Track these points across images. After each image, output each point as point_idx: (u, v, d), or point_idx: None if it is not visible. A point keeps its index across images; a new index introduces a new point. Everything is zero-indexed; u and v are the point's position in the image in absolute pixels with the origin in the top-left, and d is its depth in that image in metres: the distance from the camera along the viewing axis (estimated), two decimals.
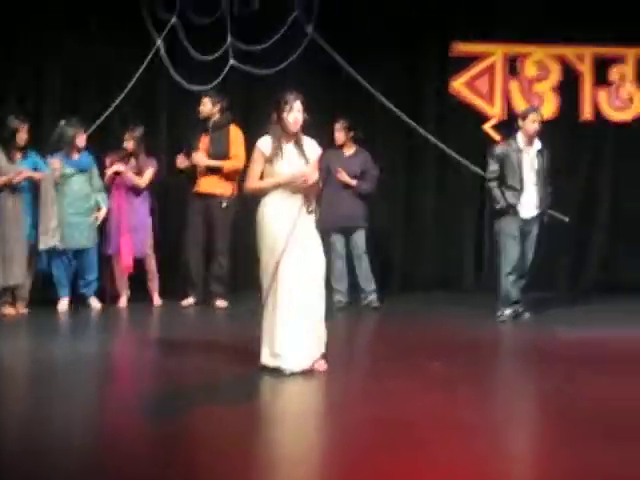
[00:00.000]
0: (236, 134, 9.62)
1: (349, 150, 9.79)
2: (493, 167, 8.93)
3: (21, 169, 8.83)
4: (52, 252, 9.19)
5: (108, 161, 9.61)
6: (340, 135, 9.74)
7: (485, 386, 6.17)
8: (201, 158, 9.51)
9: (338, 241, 9.62)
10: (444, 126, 11.23)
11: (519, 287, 9.00)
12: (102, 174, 9.55)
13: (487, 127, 11.13)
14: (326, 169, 9.41)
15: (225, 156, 9.55)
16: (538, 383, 6.46)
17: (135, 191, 9.61)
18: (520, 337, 8.49)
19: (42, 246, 9.02)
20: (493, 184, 8.93)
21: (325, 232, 9.34)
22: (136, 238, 9.59)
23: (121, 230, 9.53)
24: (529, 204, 8.88)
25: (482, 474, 4.25)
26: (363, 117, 10.56)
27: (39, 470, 4.28)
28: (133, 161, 9.63)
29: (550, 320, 9.00)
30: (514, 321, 8.91)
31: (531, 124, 8.82)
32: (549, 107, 10.96)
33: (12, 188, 8.78)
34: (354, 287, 9.84)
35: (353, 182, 9.62)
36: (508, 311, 8.97)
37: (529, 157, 8.88)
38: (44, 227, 9.01)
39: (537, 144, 8.90)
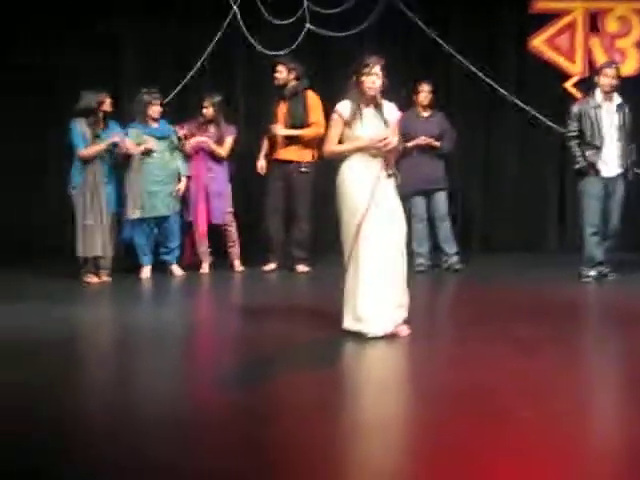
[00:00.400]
0: (314, 100, 9.56)
1: (426, 112, 9.74)
2: (572, 125, 8.77)
3: (110, 137, 8.90)
4: (134, 221, 9.26)
5: (187, 129, 9.62)
6: (427, 96, 9.69)
7: (570, 350, 6.06)
8: (279, 129, 9.48)
9: (419, 204, 9.57)
10: (524, 85, 11.08)
11: (604, 248, 8.84)
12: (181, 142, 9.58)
13: (568, 85, 10.93)
14: (404, 132, 9.36)
15: (304, 123, 9.50)
16: (623, 347, 6.34)
17: (215, 159, 9.63)
18: (605, 299, 8.38)
19: (131, 216, 9.12)
20: (573, 143, 8.78)
21: (406, 195, 9.38)
22: (216, 205, 9.62)
23: (199, 198, 9.57)
24: (611, 162, 8.69)
25: (568, 440, 4.19)
26: (442, 79, 10.44)
27: (125, 438, 4.32)
28: (212, 128, 9.64)
29: (636, 282, 8.81)
30: (599, 282, 8.78)
31: (605, 79, 8.64)
32: (631, 63, 10.75)
33: (93, 159, 8.84)
34: (435, 250, 9.77)
35: (437, 143, 9.58)
36: (592, 272, 8.84)
37: (608, 113, 8.69)
38: (132, 198, 9.09)
39: (617, 99, 8.70)
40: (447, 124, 9.77)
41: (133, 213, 9.19)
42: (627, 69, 10.19)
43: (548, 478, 3.78)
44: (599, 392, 5.13)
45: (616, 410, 4.89)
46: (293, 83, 9.56)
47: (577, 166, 8.77)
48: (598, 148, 8.65)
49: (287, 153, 9.56)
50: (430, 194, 9.66)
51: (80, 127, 8.86)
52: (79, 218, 8.88)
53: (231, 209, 9.77)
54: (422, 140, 9.48)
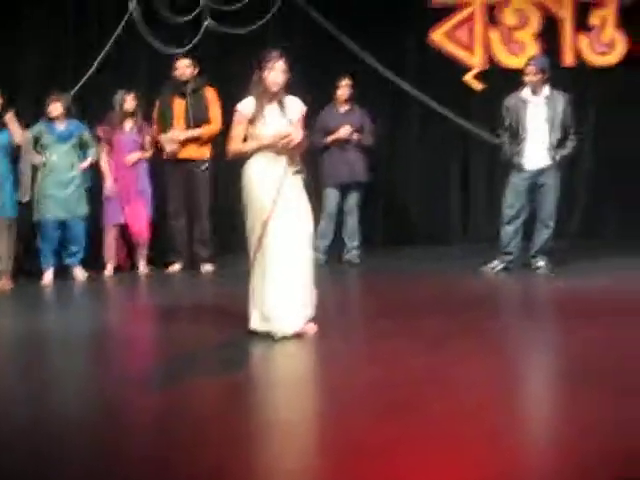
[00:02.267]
0: (213, 96, 9.51)
1: (344, 107, 9.77)
2: (502, 119, 8.90)
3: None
4: (37, 224, 9.10)
5: (102, 130, 9.45)
6: (345, 91, 9.74)
7: (476, 342, 6.04)
8: (178, 134, 9.37)
9: (333, 199, 9.60)
10: (426, 78, 11.15)
11: (517, 241, 8.93)
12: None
13: (469, 77, 11.02)
14: (323, 128, 9.41)
15: (204, 119, 9.42)
16: (528, 337, 6.38)
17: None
18: (509, 289, 8.48)
19: (22, 199, 8.95)
20: (502, 136, 8.92)
21: (326, 188, 9.44)
22: (144, 203, 9.54)
23: (130, 198, 9.44)
24: (537, 155, 8.76)
25: (489, 432, 4.19)
26: (343, 73, 10.42)
27: (41, 448, 4.19)
28: (129, 123, 9.51)
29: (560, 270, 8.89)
30: (504, 273, 8.87)
31: (526, 77, 8.74)
32: (530, 55, 10.81)
33: None
34: (333, 244, 9.84)
35: (355, 135, 9.63)
36: (496, 262, 8.95)
37: (536, 107, 8.76)
38: (23, 184, 8.92)
39: (545, 92, 8.77)
40: (367, 118, 9.84)
41: (39, 215, 9.04)
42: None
43: (456, 470, 3.76)
44: (507, 384, 5.12)
45: (524, 401, 4.91)
46: (197, 79, 9.46)
47: (503, 158, 8.94)
48: (521, 142, 8.75)
49: (186, 152, 9.46)
50: (349, 187, 9.73)
51: None
52: None
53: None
54: (344, 132, 9.50)
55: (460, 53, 11.03)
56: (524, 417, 4.57)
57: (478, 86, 10.92)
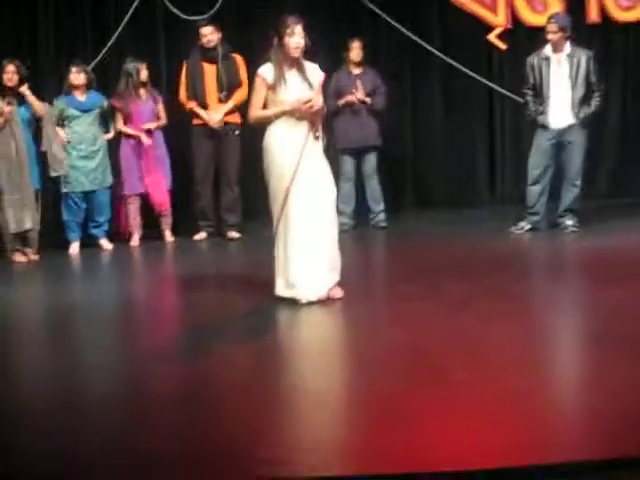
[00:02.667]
0: (241, 61, 9.49)
1: (357, 69, 9.69)
2: (526, 78, 8.83)
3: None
4: (62, 196, 9.13)
5: (117, 102, 9.41)
6: (358, 53, 9.65)
7: (502, 305, 6.03)
8: (217, 116, 9.33)
9: (348, 163, 9.56)
10: (449, 38, 11.03)
11: (544, 201, 8.87)
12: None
13: (492, 37, 10.88)
14: (336, 91, 9.35)
15: (237, 83, 9.39)
16: (555, 298, 6.34)
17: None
18: (534, 249, 8.46)
19: (53, 173, 8.95)
20: (527, 96, 8.85)
21: (340, 153, 9.37)
22: (164, 172, 9.54)
23: (150, 168, 9.42)
24: (561, 113, 8.66)
25: (514, 395, 4.18)
26: (368, 36, 10.36)
27: (69, 423, 4.22)
28: (143, 93, 9.48)
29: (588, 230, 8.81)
30: (531, 233, 8.82)
31: (547, 35, 8.65)
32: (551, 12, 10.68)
33: (11, 131, 8.61)
34: (359, 209, 9.81)
35: (368, 99, 9.54)
36: (523, 223, 8.92)
37: (558, 64, 8.66)
38: (51, 156, 8.88)
39: (567, 49, 8.66)
40: (379, 80, 9.74)
41: (55, 171, 9.01)
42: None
43: (484, 433, 3.75)
44: (532, 347, 5.08)
45: (550, 364, 4.88)
46: (223, 45, 9.42)
47: (528, 117, 8.89)
48: (545, 100, 8.67)
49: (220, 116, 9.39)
50: (364, 151, 9.66)
51: None
52: (6, 194, 8.65)
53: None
54: (352, 97, 9.41)
55: (483, 12, 10.88)
56: (550, 381, 4.55)
57: (502, 45, 10.79)
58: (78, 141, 9.15)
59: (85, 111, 9.20)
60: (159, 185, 9.47)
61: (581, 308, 6.10)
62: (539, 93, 8.73)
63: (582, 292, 6.58)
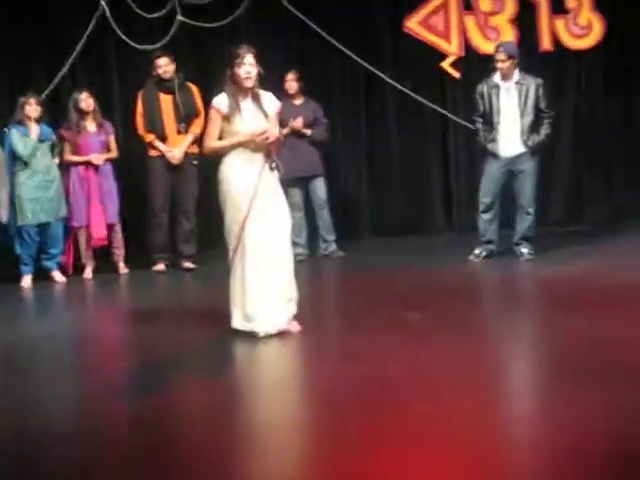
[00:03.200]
0: (196, 90, 9.47)
1: (298, 100, 9.69)
2: (476, 105, 8.87)
3: None
4: (16, 228, 8.99)
5: (65, 133, 9.31)
6: (293, 85, 9.63)
7: (463, 334, 5.99)
8: (178, 153, 9.28)
9: (296, 192, 9.47)
10: (402, 67, 11.04)
11: (495, 227, 8.91)
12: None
13: (445, 64, 10.93)
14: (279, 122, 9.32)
15: (194, 113, 9.36)
16: (514, 327, 6.35)
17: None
18: (492, 278, 8.44)
19: (18, 223, 8.84)
20: (476, 123, 8.89)
21: (284, 183, 9.29)
22: (109, 206, 9.39)
23: (92, 200, 9.30)
24: (510, 141, 8.69)
25: (468, 430, 4.14)
26: (320, 66, 10.37)
27: (22, 462, 4.13)
28: (90, 122, 9.37)
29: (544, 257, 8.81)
30: (487, 261, 8.82)
31: (497, 63, 8.69)
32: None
33: None
34: (311, 239, 9.80)
35: (307, 131, 9.54)
36: (478, 250, 8.92)
37: (507, 92, 8.69)
38: (18, 204, 8.79)
39: (516, 77, 8.69)
40: (320, 112, 9.75)
41: (20, 220, 8.92)
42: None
43: (450, 470, 3.71)
44: (492, 378, 5.07)
45: (509, 395, 4.86)
46: (178, 75, 9.38)
47: (478, 145, 8.96)
48: (494, 128, 8.71)
49: (177, 146, 9.32)
50: (308, 181, 9.64)
51: None
52: None
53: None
54: (294, 124, 9.38)
55: (436, 40, 10.92)
56: (504, 412, 4.50)
57: (456, 74, 10.84)
58: (34, 171, 9.01)
59: (41, 141, 9.06)
60: (99, 219, 9.33)
61: (538, 336, 6.08)
62: (489, 121, 8.76)
63: (539, 320, 6.60)
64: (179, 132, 9.34)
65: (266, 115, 6.28)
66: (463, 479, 3.61)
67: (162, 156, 9.32)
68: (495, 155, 8.73)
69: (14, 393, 5.30)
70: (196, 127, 9.29)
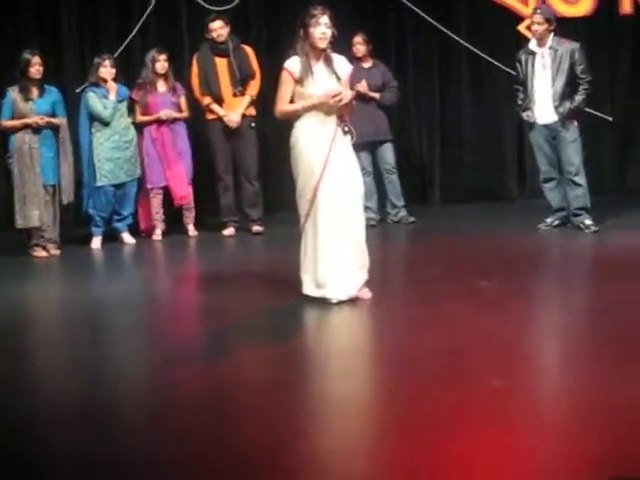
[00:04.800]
0: (251, 52, 9.42)
1: (367, 63, 9.53)
2: (517, 72, 8.69)
3: (37, 118, 8.46)
4: (91, 190, 9.00)
5: (136, 94, 9.28)
6: (360, 48, 9.46)
7: (535, 304, 5.94)
8: (236, 117, 9.17)
9: (364, 157, 9.29)
10: (477, 29, 10.85)
11: (562, 194, 8.66)
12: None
13: (522, 28, 10.67)
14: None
15: (249, 75, 9.28)
16: (586, 297, 6.27)
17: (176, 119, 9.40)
18: (562, 247, 8.28)
19: (65, 201, 8.76)
20: (517, 91, 8.70)
21: (354, 149, 9.19)
22: (185, 165, 9.40)
23: (170, 160, 9.29)
24: (545, 108, 8.46)
25: (538, 403, 4.08)
26: (395, 28, 10.23)
27: (94, 424, 4.12)
28: (162, 84, 9.34)
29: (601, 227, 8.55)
30: (558, 229, 8.64)
31: (533, 26, 8.50)
32: (586, 3, 10.50)
33: (30, 129, 8.48)
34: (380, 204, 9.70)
35: (376, 95, 9.39)
36: (549, 219, 8.74)
37: (541, 58, 8.46)
38: (65, 182, 8.71)
39: (550, 42, 8.42)
40: (389, 75, 9.61)
41: (100, 180, 8.93)
42: (582, 9, 10.08)
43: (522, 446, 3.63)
44: (563, 352, 4.97)
45: (581, 372, 4.66)
46: (232, 38, 9.31)
47: (519, 115, 8.81)
48: (530, 95, 8.52)
49: (234, 109, 9.24)
50: (376, 146, 9.49)
51: (12, 94, 8.48)
52: (16, 188, 8.53)
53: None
54: (360, 87, 9.12)
55: (513, 3, 10.69)
56: (577, 388, 4.36)
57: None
58: (112, 132, 9.01)
59: (118, 102, 9.04)
60: (180, 178, 9.33)
61: (614, 308, 5.80)
62: (526, 88, 8.55)
63: (614, 291, 6.25)
64: (235, 95, 9.25)
65: (338, 78, 6.15)
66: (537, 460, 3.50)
67: (220, 119, 9.25)
68: (532, 124, 8.55)
69: (83, 358, 5.30)
70: (252, 89, 9.26)
